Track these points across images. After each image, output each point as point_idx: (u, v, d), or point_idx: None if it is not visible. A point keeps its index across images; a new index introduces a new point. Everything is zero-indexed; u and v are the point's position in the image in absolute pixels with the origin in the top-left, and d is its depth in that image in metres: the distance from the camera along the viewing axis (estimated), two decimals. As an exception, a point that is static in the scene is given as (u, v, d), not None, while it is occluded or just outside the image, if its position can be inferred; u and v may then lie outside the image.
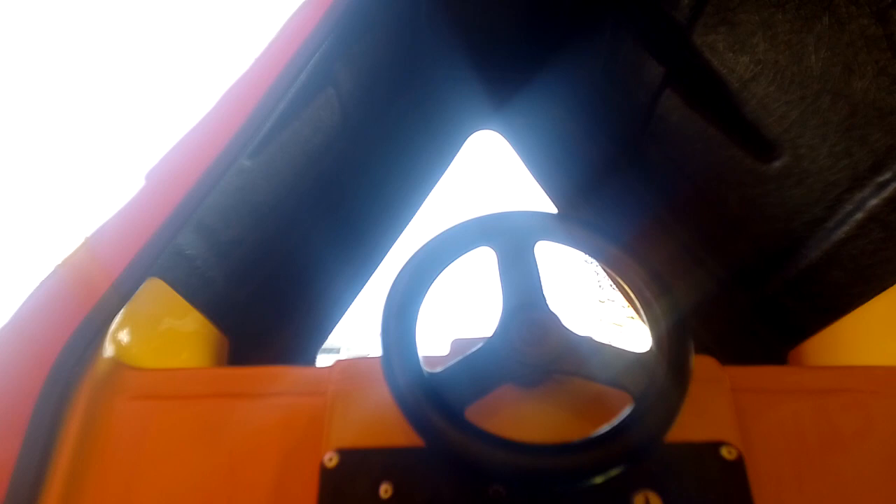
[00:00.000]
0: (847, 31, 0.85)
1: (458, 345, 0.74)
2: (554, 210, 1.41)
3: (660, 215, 1.24)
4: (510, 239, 0.72)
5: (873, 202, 0.92)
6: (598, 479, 0.61)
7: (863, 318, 1.00)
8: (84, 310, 0.71)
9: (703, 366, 0.71)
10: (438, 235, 0.71)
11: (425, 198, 1.45)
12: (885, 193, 0.90)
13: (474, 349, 0.66)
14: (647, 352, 0.65)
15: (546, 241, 0.73)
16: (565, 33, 1.17)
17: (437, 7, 1.10)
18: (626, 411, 0.62)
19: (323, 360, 1.55)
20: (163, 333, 0.89)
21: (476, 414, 0.64)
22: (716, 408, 0.70)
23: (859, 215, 0.95)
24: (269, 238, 1.16)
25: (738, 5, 0.96)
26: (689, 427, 0.66)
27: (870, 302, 0.98)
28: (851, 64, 0.87)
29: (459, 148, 1.38)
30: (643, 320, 0.69)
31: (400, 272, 0.69)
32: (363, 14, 0.95)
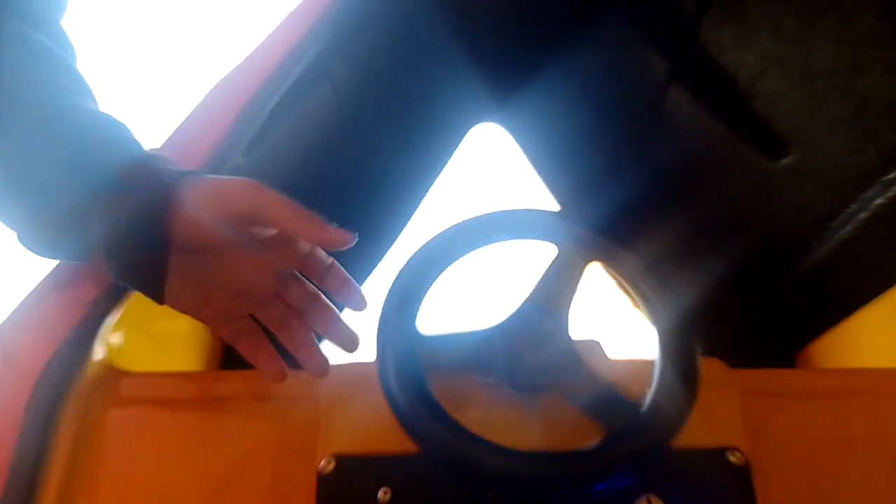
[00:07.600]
0: (853, 27, 0.84)
1: None
2: (556, 207, 1.39)
3: (666, 213, 1.23)
4: (575, 246, 0.69)
5: (879, 201, 0.92)
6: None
7: (867, 319, 1.00)
8: (78, 313, 0.70)
9: (710, 370, 0.69)
10: (453, 226, 0.68)
11: (426, 192, 1.42)
12: (892, 192, 0.89)
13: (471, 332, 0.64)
14: (654, 362, 0.64)
15: (601, 264, 0.70)
16: (569, 25, 1.16)
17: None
18: (631, 422, 0.61)
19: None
20: (156, 336, 0.88)
21: (474, 419, 0.62)
22: (723, 412, 0.69)
23: (864, 214, 0.94)
24: (263, 237, 1.14)
25: (743, 1, 0.94)
26: (694, 432, 0.65)
27: (875, 302, 0.98)
28: (858, 60, 0.86)
29: (461, 140, 1.35)
30: (649, 325, 0.67)
31: (403, 266, 0.67)
32: (361, 5, 0.94)
